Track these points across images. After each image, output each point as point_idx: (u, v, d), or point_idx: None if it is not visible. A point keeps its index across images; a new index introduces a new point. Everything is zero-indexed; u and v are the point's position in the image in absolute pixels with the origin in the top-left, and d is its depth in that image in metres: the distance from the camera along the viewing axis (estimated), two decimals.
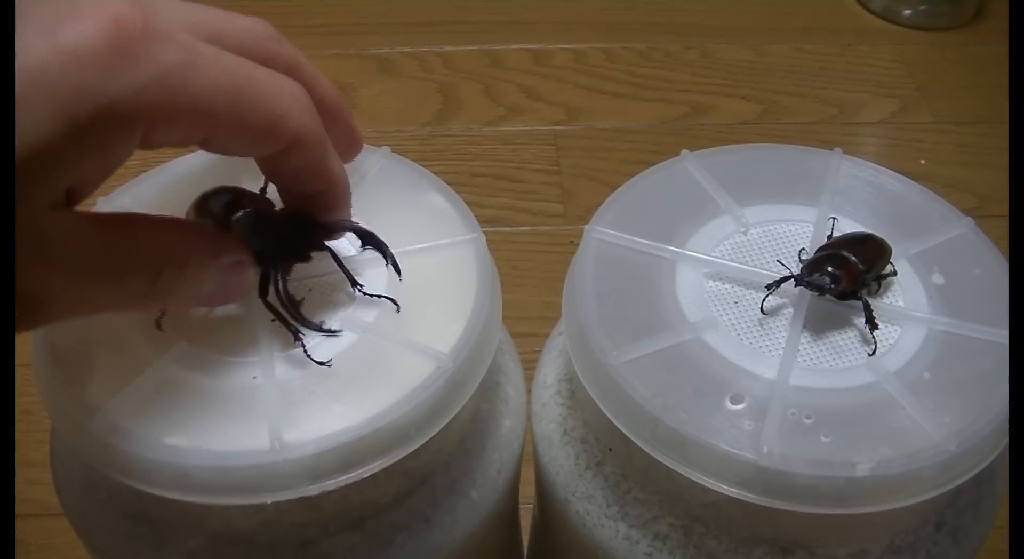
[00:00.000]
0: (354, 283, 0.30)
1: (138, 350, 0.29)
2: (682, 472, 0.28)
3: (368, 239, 0.30)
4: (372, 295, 0.30)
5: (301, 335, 0.29)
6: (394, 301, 0.30)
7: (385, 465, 0.28)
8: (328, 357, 0.29)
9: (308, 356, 0.29)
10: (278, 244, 0.29)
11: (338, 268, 0.31)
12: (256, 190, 0.32)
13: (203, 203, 0.30)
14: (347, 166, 0.34)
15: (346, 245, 0.31)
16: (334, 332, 0.29)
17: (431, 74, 0.89)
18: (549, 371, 0.36)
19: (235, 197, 0.30)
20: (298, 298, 0.29)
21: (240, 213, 0.29)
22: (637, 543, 0.31)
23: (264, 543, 0.30)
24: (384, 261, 0.30)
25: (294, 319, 0.29)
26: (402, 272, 0.30)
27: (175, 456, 0.27)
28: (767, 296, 0.31)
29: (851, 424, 0.28)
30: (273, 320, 0.29)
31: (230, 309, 0.30)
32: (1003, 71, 0.83)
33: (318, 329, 0.29)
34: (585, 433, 0.34)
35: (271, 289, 0.29)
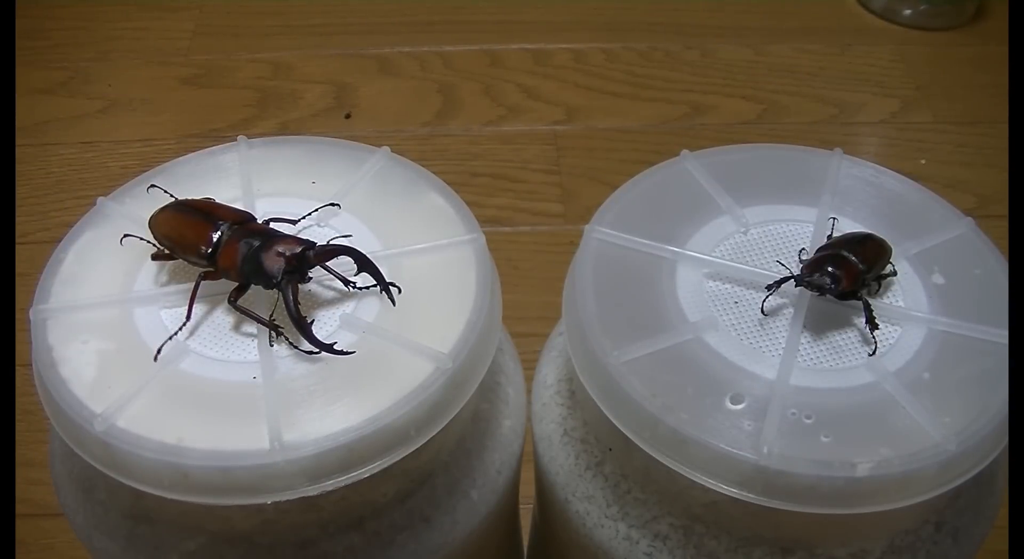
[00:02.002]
0: (347, 283, 0.30)
1: (138, 350, 0.29)
2: (682, 472, 0.28)
3: (364, 265, 0.30)
4: (365, 287, 0.30)
5: (282, 329, 0.29)
6: (391, 291, 0.30)
7: (385, 465, 0.28)
8: (326, 358, 0.29)
9: (295, 347, 0.29)
10: (281, 268, 0.29)
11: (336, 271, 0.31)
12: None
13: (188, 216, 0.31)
14: (347, 165, 0.35)
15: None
16: (347, 352, 0.29)
17: (431, 74, 0.89)
18: (549, 371, 0.36)
19: (212, 212, 0.31)
20: (305, 316, 0.29)
21: (243, 240, 0.29)
22: (637, 543, 0.31)
23: (264, 543, 0.30)
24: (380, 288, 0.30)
25: (305, 335, 0.28)
26: (400, 287, 0.30)
27: (175, 456, 0.27)
28: (767, 297, 0.31)
29: (851, 424, 0.28)
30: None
31: (231, 308, 0.30)
32: (1003, 71, 0.83)
33: (329, 349, 0.29)
34: (585, 433, 0.34)
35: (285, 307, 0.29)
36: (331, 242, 0.31)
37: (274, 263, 0.29)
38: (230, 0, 0.96)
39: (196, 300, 0.30)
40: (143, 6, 0.96)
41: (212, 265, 0.30)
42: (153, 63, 0.90)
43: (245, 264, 0.29)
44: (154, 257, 0.31)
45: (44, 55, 0.90)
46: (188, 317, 0.30)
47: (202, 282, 0.30)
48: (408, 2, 0.96)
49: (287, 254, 0.29)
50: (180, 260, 0.31)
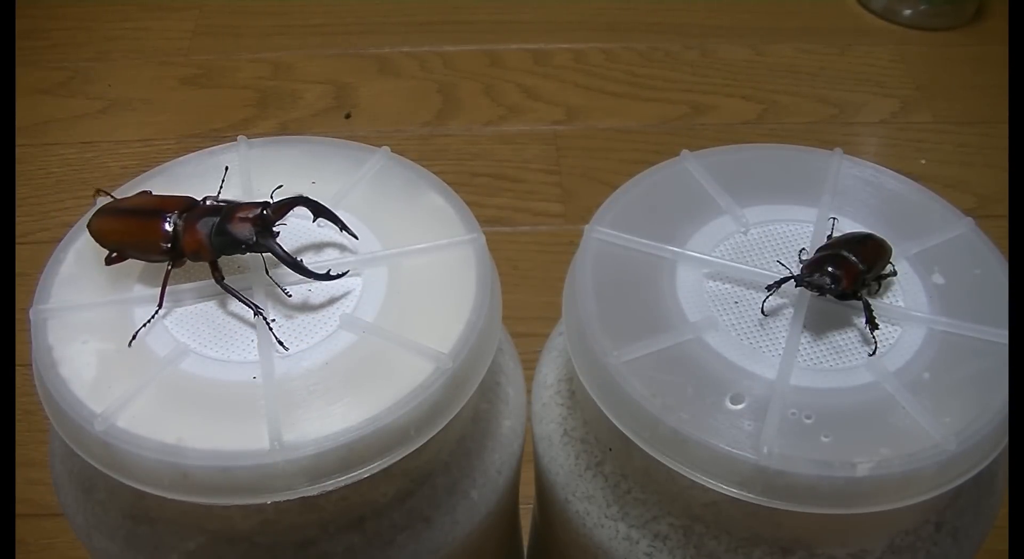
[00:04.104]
0: (298, 267, 0.31)
1: (138, 350, 0.29)
2: (682, 472, 0.28)
3: (319, 212, 0.31)
4: (316, 277, 0.31)
5: (261, 310, 0.30)
6: (350, 229, 0.31)
7: (385, 465, 0.28)
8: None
9: (281, 289, 0.30)
10: (252, 230, 0.30)
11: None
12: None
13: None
14: (347, 165, 0.35)
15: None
16: (343, 274, 0.30)
17: (431, 74, 0.89)
18: (549, 371, 0.36)
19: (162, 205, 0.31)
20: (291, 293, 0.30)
21: (200, 221, 0.30)
22: (637, 543, 0.31)
23: (264, 543, 0.30)
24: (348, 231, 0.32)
25: (300, 272, 0.30)
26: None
27: (175, 456, 0.27)
28: (768, 297, 0.31)
29: (851, 424, 0.28)
30: (261, 317, 0.30)
31: (230, 309, 0.30)
32: (1003, 71, 0.83)
33: (327, 277, 0.30)
34: (585, 433, 0.34)
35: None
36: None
37: (243, 228, 0.30)
38: (230, 0, 0.96)
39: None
40: (143, 6, 0.96)
41: (174, 255, 0.30)
42: (153, 63, 0.90)
43: (214, 239, 0.30)
44: (108, 261, 0.31)
45: (44, 55, 0.90)
46: (159, 306, 0.30)
47: (205, 280, 0.30)
48: (408, 2, 0.96)
49: (250, 217, 0.30)
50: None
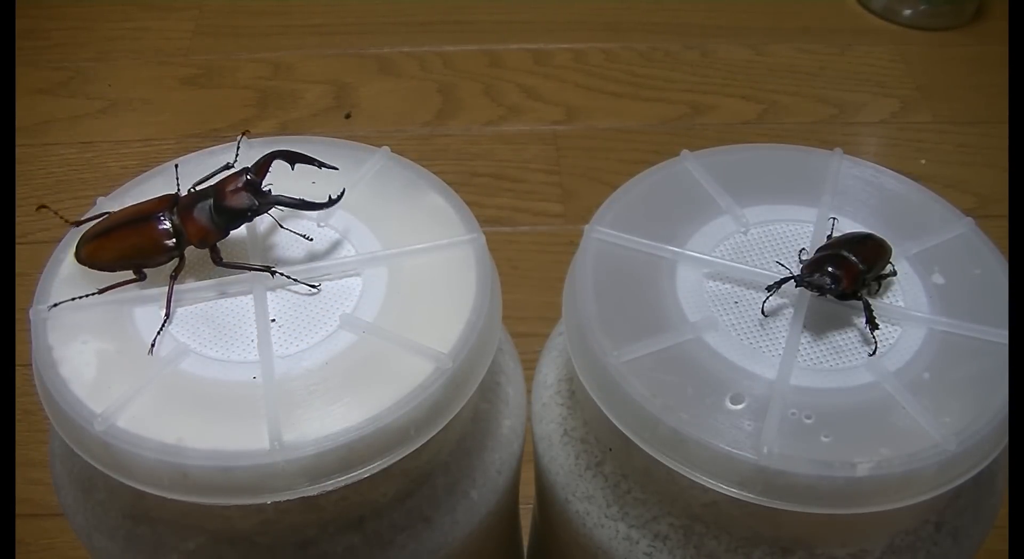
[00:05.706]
0: (304, 205, 0.31)
1: (138, 351, 0.29)
2: (682, 472, 0.28)
3: (295, 158, 0.32)
4: (322, 204, 0.31)
5: (276, 269, 0.31)
6: (330, 164, 0.32)
7: (385, 465, 0.28)
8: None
9: (295, 280, 0.31)
10: (250, 195, 0.30)
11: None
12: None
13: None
14: (347, 166, 0.35)
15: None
16: (339, 197, 0.31)
17: (431, 74, 0.89)
18: (549, 371, 0.36)
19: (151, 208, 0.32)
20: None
21: (195, 209, 0.30)
22: (637, 543, 0.31)
23: (264, 543, 0.30)
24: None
25: (307, 208, 0.31)
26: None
27: (175, 456, 0.27)
28: (768, 298, 0.31)
29: (851, 424, 0.28)
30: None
31: (231, 309, 0.30)
32: (1003, 71, 0.83)
33: (328, 203, 0.31)
34: (585, 433, 0.34)
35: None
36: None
37: (240, 198, 0.30)
38: (230, 0, 0.96)
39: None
40: (143, 6, 0.96)
41: (180, 249, 0.31)
42: (153, 63, 0.90)
43: (218, 219, 0.30)
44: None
45: (44, 55, 0.90)
46: (167, 316, 0.30)
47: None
48: (408, 2, 0.96)
49: (240, 186, 0.30)
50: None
